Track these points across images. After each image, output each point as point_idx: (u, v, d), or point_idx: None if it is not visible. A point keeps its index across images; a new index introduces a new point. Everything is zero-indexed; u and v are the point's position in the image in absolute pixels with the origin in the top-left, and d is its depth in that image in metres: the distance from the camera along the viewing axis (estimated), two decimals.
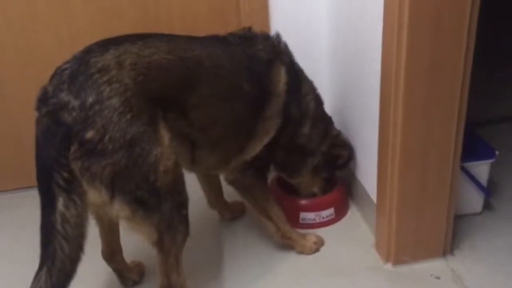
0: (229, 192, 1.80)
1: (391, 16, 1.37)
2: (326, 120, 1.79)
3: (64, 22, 1.98)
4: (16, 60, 2.01)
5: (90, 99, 1.14)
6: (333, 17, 1.99)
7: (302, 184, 1.87)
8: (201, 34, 1.50)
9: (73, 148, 1.13)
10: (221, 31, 1.56)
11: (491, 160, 1.78)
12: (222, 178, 1.75)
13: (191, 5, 2.03)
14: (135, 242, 1.40)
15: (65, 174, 1.13)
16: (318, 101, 1.72)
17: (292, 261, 1.71)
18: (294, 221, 1.83)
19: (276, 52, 1.58)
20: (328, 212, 1.89)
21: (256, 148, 1.56)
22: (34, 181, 1.19)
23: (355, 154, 1.88)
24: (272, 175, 1.88)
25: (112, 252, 1.56)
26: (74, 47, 1.26)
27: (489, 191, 1.84)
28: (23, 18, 1.96)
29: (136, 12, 2.00)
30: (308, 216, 1.88)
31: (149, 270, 1.65)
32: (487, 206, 1.88)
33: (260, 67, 1.52)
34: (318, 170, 1.82)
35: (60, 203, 1.14)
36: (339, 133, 1.85)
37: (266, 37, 1.60)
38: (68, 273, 1.17)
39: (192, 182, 1.62)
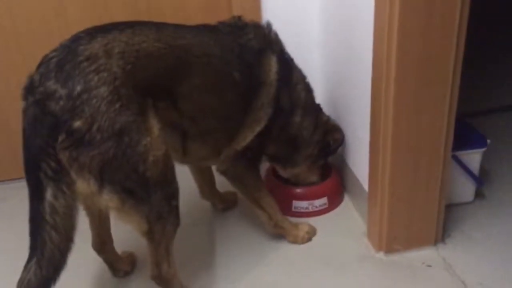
0: (222, 183, 1.79)
1: (383, 3, 1.36)
2: (316, 108, 1.78)
3: (54, 13, 1.96)
4: (5, 50, 1.99)
5: (78, 88, 1.12)
6: (325, 6, 1.97)
7: (300, 175, 1.87)
8: (192, 23, 1.49)
9: (60, 138, 1.12)
10: (212, 20, 1.54)
11: (482, 149, 1.78)
12: (214, 168, 1.74)
13: None
14: (126, 232, 1.39)
15: (53, 164, 1.12)
16: (308, 89, 1.71)
17: (284, 251, 1.71)
18: (287, 209, 1.83)
19: (267, 41, 1.57)
20: (321, 202, 1.89)
21: (246, 138, 1.55)
22: (23, 172, 1.17)
23: (346, 138, 1.89)
24: (266, 164, 1.88)
25: (102, 243, 1.55)
26: (63, 37, 1.23)
27: (481, 180, 1.84)
28: (12, 8, 1.93)
29: (126, 7, 1.98)
30: (300, 205, 1.88)
31: (141, 260, 1.64)
32: (478, 195, 1.88)
33: (251, 56, 1.51)
34: (314, 159, 1.82)
35: (49, 193, 1.13)
36: (328, 118, 1.85)
37: (256, 26, 1.58)
38: (58, 263, 1.17)
39: (184, 173, 1.62)
